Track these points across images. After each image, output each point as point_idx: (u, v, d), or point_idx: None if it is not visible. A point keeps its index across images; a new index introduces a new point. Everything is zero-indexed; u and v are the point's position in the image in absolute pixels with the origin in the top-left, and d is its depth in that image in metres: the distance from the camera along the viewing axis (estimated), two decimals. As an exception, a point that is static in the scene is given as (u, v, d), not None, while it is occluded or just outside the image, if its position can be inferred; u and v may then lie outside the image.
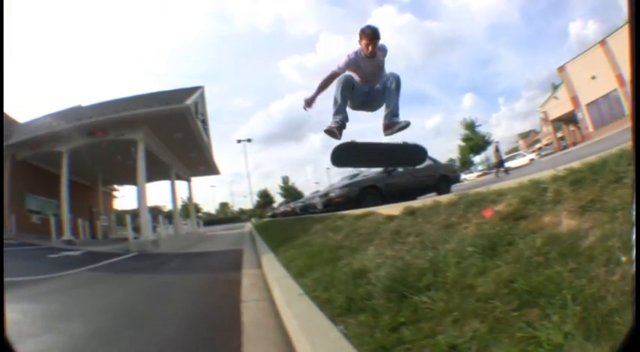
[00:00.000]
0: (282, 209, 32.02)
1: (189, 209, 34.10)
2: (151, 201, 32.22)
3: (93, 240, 21.85)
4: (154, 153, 18.92)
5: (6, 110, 28.01)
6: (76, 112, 21.11)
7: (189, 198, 33.51)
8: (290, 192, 79.64)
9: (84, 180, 27.20)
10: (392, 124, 4.89)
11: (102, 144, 18.79)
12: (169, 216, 28.63)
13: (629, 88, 1.15)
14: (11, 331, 3.36)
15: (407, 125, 4.86)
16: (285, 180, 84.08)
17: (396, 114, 4.98)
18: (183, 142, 20.48)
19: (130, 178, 27.76)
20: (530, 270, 1.81)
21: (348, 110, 4.86)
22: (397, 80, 4.93)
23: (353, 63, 4.70)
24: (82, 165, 21.09)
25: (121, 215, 39.22)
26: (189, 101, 17.99)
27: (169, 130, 18.59)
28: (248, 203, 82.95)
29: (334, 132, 4.80)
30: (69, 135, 18.58)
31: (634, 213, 1.16)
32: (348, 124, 4.83)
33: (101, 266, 10.09)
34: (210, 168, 29.72)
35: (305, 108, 5.04)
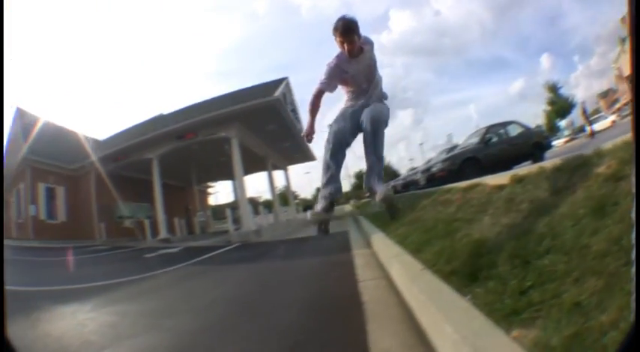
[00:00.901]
0: None
1: (288, 197, 34.78)
2: (248, 192, 33.40)
3: (190, 235, 22.94)
4: (248, 147, 19.47)
5: (83, 131, 30.20)
6: (158, 120, 22.41)
7: (287, 186, 34.15)
8: (386, 171, 79.96)
9: (177, 182, 29.03)
10: (382, 195, 4.31)
11: (192, 145, 19.75)
12: (267, 206, 29.38)
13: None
14: (106, 334, 3.80)
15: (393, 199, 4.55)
16: None
17: (380, 175, 4.31)
18: (276, 133, 21.08)
19: (224, 174, 29.21)
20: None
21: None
22: (376, 119, 4.05)
23: (336, 71, 4.10)
24: (173, 167, 22.45)
25: (217, 210, 40.71)
26: (278, 92, 18.30)
27: (262, 123, 19.18)
28: (344, 185, 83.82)
29: (321, 219, 4.29)
30: (157, 142, 19.86)
31: (634, 212, 1.17)
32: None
33: (204, 259, 10.15)
34: (305, 155, 30.43)
35: (308, 141, 4.48)
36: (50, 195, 26.30)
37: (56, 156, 26.05)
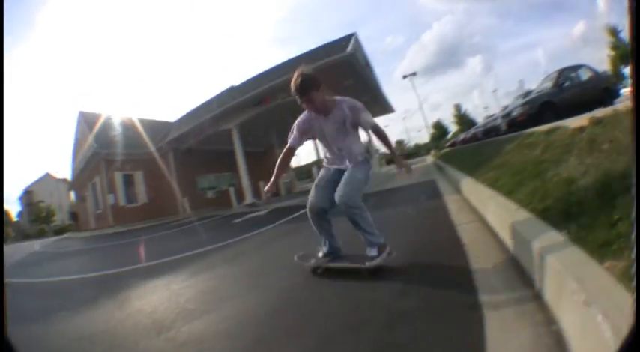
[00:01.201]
0: (462, 137, 31.35)
1: (370, 150, 34.73)
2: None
3: (276, 198, 22.90)
4: None
5: (150, 116, 31.26)
6: (231, 93, 22.59)
7: (369, 141, 34.08)
8: (464, 120, 78.65)
9: (258, 148, 29.76)
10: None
11: (271, 110, 19.95)
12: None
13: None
14: (206, 300, 3.95)
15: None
16: (457, 107, 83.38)
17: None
18: (353, 88, 20.70)
19: None
20: None
21: None
22: (346, 204, 3.54)
23: (305, 126, 3.71)
24: (253, 134, 23.03)
25: (300, 171, 41.23)
26: (349, 48, 18.16)
27: (338, 80, 18.94)
28: (423, 137, 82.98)
29: (318, 265, 3.88)
30: (235, 112, 20.32)
31: (634, 212, 1.21)
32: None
33: (293, 218, 9.94)
34: (384, 108, 30.31)
35: (267, 195, 4.08)
36: (128, 181, 27.90)
37: (130, 145, 27.46)
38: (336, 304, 2.97)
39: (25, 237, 60.99)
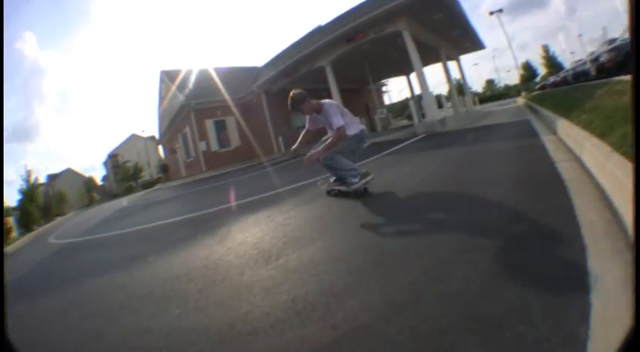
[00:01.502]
0: (551, 80, 30.41)
1: (462, 89, 33.95)
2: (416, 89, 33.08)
3: (373, 133, 22.93)
4: (418, 39, 18.98)
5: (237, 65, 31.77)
6: (319, 31, 22.49)
7: (460, 78, 33.17)
8: (552, 62, 75.22)
9: (351, 85, 29.91)
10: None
11: (363, 46, 19.78)
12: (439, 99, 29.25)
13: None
14: (313, 228, 4.11)
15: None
16: (545, 48, 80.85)
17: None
18: (444, 22, 20.46)
19: (398, 69, 29.51)
20: None
21: None
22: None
23: (312, 120, 5.79)
24: (346, 71, 23.11)
25: (393, 108, 40.96)
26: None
27: (428, 13, 18.63)
28: (511, 78, 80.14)
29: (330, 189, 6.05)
30: (327, 49, 20.38)
31: (633, 212, 1.23)
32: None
33: (395, 150, 10.21)
34: (474, 44, 29.12)
35: (293, 153, 6.05)
36: (219, 127, 28.94)
37: (217, 93, 28.32)
38: (449, 227, 3.17)
39: (112, 197, 63.26)
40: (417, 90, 30.18)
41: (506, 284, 1.98)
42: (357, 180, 5.30)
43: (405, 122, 37.98)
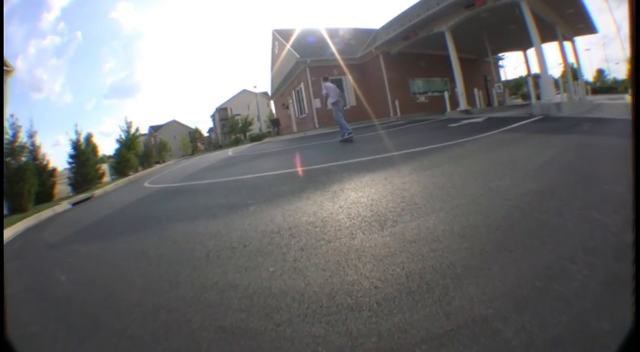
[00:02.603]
0: None
1: (576, 74, 31.66)
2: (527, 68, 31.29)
3: (489, 108, 22.08)
4: (535, 13, 17.76)
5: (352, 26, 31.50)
6: None
7: (574, 62, 30.71)
8: None
9: (469, 55, 28.40)
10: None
11: (481, 14, 18.93)
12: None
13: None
14: (433, 197, 3.79)
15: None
16: None
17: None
18: None
19: (514, 44, 27.92)
20: None
21: None
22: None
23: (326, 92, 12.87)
24: (464, 39, 21.90)
25: (508, 85, 39.11)
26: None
27: None
28: (619, 71, 73.43)
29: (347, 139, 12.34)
30: (447, 13, 19.53)
31: (633, 213, 1.17)
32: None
33: (513, 128, 9.50)
34: (587, 26, 26.29)
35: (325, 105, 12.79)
36: (336, 85, 28.38)
37: (333, 52, 28.02)
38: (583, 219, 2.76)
39: (218, 147, 63.70)
40: (533, 70, 28.43)
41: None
42: (341, 137, 11.23)
43: (518, 101, 36.00)
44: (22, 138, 15.19)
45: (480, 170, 4.87)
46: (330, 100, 13.00)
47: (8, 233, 8.37)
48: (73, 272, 4.09)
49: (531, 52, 28.83)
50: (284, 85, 36.27)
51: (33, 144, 16.87)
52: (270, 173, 8.22)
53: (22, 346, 2.42)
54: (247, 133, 62.31)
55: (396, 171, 5.56)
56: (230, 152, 24.77)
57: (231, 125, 66.73)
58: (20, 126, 15.09)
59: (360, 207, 3.91)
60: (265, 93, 65.11)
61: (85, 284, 3.58)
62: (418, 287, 2.09)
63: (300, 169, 8.00)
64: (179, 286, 2.83)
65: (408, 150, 7.69)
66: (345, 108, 28.57)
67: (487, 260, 2.30)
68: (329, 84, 13.39)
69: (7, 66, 25.24)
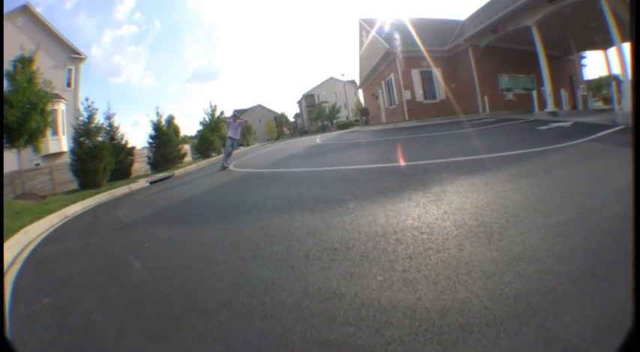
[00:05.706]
0: None
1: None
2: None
3: (575, 111, 21.07)
4: (615, 12, 16.39)
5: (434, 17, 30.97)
6: None
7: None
8: None
9: (552, 51, 27.09)
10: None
11: (563, 9, 18.44)
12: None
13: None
14: (535, 209, 3.70)
15: None
16: None
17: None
18: None
19: (595, 42, 26.39)
20: None
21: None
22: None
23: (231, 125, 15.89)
24: (548, 35, 21.15)
25: (591, 85, 36.95)
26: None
27: None
28: None
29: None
30: (532, 7, 19.12)
31: (633, 213, 1.21)
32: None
33: (599, 137, 8.78)
34: None
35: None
36: (425, 78, 28.45)
37: (424, 43, 27.60)
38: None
39: (304, 133, 65.44)
40: (614, 70, 26.48)
41: None
42: (221, 167, 13.77)
43: (599, 105, 33.94)
44: (99, 119, 16.52)
45: (575, 184, 4.69)
46: (230, 134, 15.86)
47: (76, 207, 8.74)
48: (149, 259, 4.09)
49: (612, 51, 27.36)
50: (373, 74, 36.33)
51: (111, 125, 19.03)
52: (365, 166, 8.12)
53: (22, 346, 2.47)
54: (334, 121, 62.47)
55: (495, 177, 5.44)
56: (318, 139, 24.73)
57: (318, 112, 67.63)
58: (97, 109, 16.45)
59: (465, 214, 3.85)
60: (352, 82, 65.61)
61: (162, 274, 3.56)
62: (524, 310, 2.10)
63: (395, 164, 7.86)
64: (275, 289, 2.78)
65: (503, 153, 7.52)
66: (433, 101, 29.15)
67: (582, 287, 2.28)
68: (233, 121, 16.05)
69: (79, 54, 27.94)
